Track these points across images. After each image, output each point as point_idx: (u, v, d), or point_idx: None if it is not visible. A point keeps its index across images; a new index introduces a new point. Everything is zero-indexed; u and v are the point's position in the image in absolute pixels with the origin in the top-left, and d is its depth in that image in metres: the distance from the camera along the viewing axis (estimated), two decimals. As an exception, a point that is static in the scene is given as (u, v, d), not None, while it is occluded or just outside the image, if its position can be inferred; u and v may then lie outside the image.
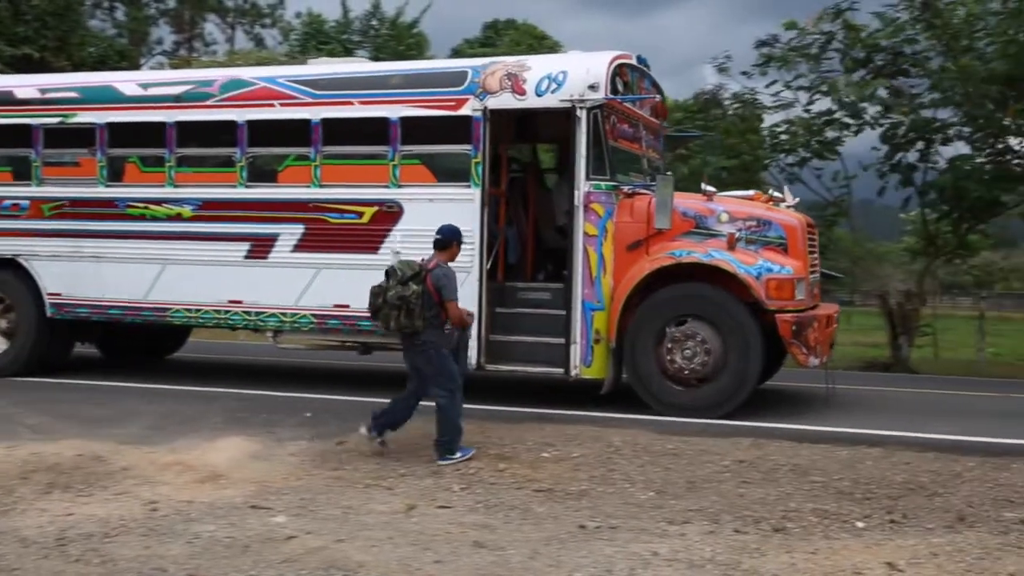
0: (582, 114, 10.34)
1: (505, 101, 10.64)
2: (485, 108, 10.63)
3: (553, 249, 11.43)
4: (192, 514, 6.68)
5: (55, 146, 12.43)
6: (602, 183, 10.41)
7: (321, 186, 11.24)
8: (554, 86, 10.50)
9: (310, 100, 11.31)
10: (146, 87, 12.08)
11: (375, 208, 11.03)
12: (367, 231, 11.06)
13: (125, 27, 37.96)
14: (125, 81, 12.43)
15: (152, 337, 14.16)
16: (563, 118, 10.66)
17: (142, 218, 11.91)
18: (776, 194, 10.96)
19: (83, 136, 12.19)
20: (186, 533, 6.26)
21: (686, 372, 10.09)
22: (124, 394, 11.22)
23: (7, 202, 12.43)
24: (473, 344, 10.49)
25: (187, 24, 41.54)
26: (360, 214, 11.09)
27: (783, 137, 18.66)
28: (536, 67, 10.74)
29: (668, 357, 10.14)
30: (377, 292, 8.41)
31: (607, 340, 10.33)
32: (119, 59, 29.32)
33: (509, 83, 10.63)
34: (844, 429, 9.20)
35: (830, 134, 17.54)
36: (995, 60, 15.92)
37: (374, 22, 35.11)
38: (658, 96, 11.96)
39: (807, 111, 18.02)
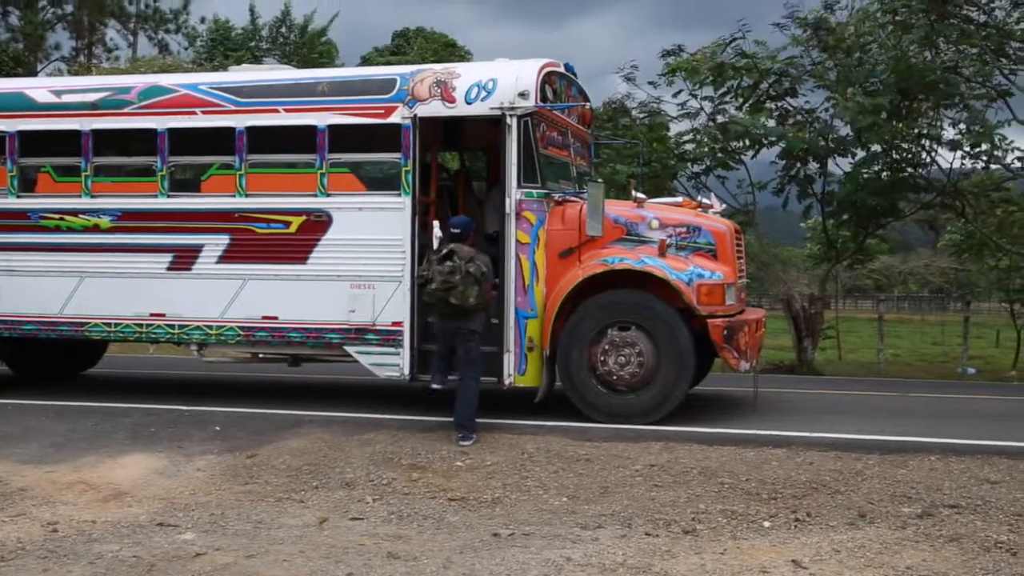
0: (512, 122, 10.12)
1: (435, 109, 10.38)
2: (414, 116, 10.36)
3: None
4: (94, 534, 6.49)
5: None
6: (533, 191, 10.21)
7: (247, 195, 10.84)
8: (484, 94, 10.26)
9: (234, 108, 10.91)
10: (59, 94, 11.55)
11: (303, 217, 10.68)
12: (295, 241, 10.71)
13: (20, 31, 36.78)
14: (37, 88, 11.86)
15: (67, 353, 13.51)
16: (492, 125, 10.46)
17: (57, 230, 11.38)
18: (704, 200, 10.85)
19: None
20: (88, 554, 6.07)
21: (619, 378, 9.94)
22: (26, 411, 10.67)
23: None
24: (405, 355, 10.24)
25: (87, 30, 40.43)
26: (287, 223, 10.73)
27: (688, 147, 18.72)
28: (465, 74, 10.49)
29: (601, 364, 9.98)
30: (453, 269, 9.06)
31: (540, 348, 10.12)
32: (14, 65, 28.36)
33: (439, 90, 10.37)
34: (751, 431, 9.22)
35: (733, 143, 17.62)
36: (886, 73, 16.14)
37: (283, 29, 34.54)
38: (586, 104, 11.80)
39: (712, 121, 18.11)
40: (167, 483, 7.80)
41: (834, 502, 6.58)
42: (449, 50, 38.48)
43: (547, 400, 10.27)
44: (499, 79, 10.28)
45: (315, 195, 10.64)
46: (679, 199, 11.35)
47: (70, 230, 11.33)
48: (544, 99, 10.35)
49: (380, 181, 10.69)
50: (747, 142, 17.15)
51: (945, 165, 17.06)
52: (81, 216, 11.30)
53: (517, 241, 10.14)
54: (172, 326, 11.06)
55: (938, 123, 16.68)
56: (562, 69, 11.04)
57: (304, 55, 33.25)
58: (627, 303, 10.04)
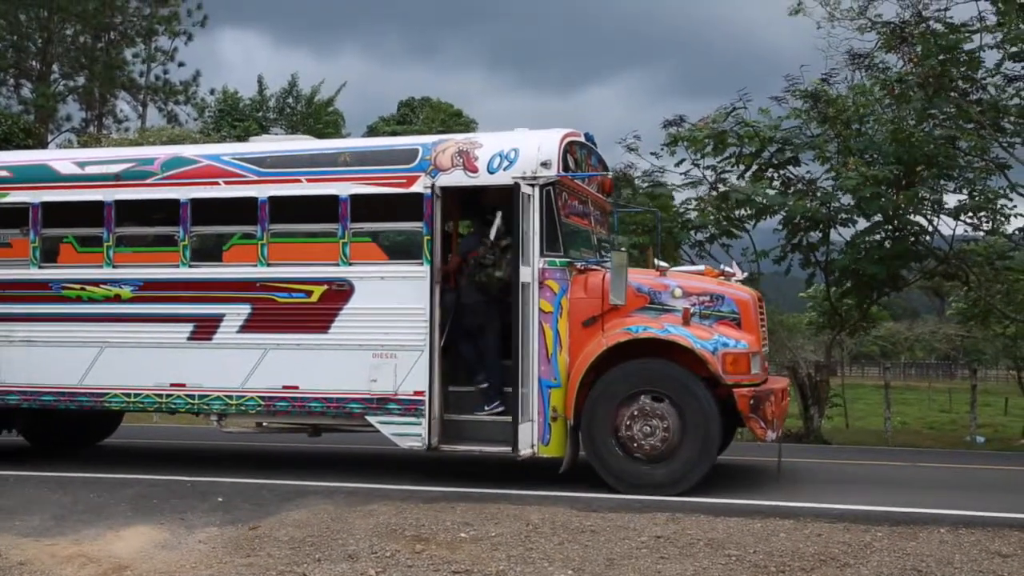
0: (535, 191, 9.85)
1: (457, 178, 10.14)
2: (436, 185, 10.09)
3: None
4: (93, 609, 6.03)
5: None
6: (556, 259, 9.92)
7: (268, 265, 10.58)
8: (506, 163, 10.02)
9: (256, 178, 10.67)
10: (83, 165, 11.31)
11: (324, 287, 10.39)
12: (316, 310, 10.42)
13: (32, 104, 36.66)
14: (61, 159, 11.65)
15: (82, 423, 13.13)
16: (512, 195, 10.18)
17: (78, 300, 11.10)
18: (727, 268, 10.55)
19: (14, 216, 11.35)
20: (89, 627, 5.64)
21: (644, 448, 9.59)
22: (28, 483, 10.25)
23: (-72, 287, 11.49)
24: (427, 425, 9.90)
25: (97, 101, 40.38)
26: (309, 293, 10.43)
27: (692, 215, 18.49)
28: (487, 144, 10.27)
29: (627, 434, 9.64)
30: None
31: (565, 417, 9.76)
32: (24, 136, 28.20)
33: (461, 160, 10.13)
34: (758, 501, 8.95)
35: (737, 212, 17.40)
36: (885, 145, 16.03)
37: (290, 100, 34.48)
38: (608, 173, 11.54)
39: (715, 190, 17.91)
40: (168, 556, 7.46)
41: (843, 575, 6.34)
42: (455, 119, 38.47)
43: (571, 470, 9.93)
44: (521, 149, 10.06)
45: (337, 264, 10.38)
46: (700, 267, 11.05)
47: (91, 300, 11.03)
48: (566, 168, 10.13)
49: (402, 250, 10.45)
50: (749, 210, 16.89)
51: (947, 233, 16.93)
52: (102, 286, 11.01)
53: (540, 310, 9.84)
54: (192, 396, 10.72)
55: (939, 192, 16.48)
56: (582, 139, 10.82)
57: (310, 125, 33.17)
58: (652, 372, 9.74)
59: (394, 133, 31.78)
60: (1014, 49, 15.77)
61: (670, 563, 6.75)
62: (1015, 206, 16.04)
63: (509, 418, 9.86)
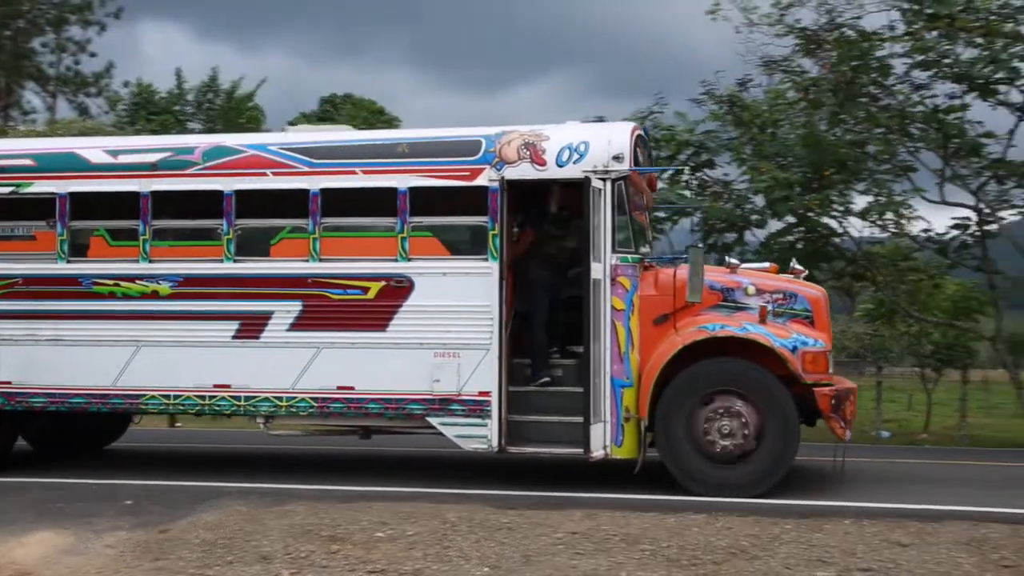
0: (606, 185, 9.27)
1: (524, 171, 9.42)
2: (503, 178, 9.40)
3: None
4: (-6, 617, 5.42)
5: (2, 218, 10.39)
6: (628, 256, 9.34)
7: (321, 260, 9.68)
8: (576, 156, 9.36)
9: (307, 169, 9.76)
10: (115, 154, 10.20)
11: (382, 283, 9.56)
12: (374, 307, 9.56)
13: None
14: (90, 148, 10.44)
15: (90, 428, 11.97)
16: (574, 189, 9.58)
17: (111, 296, 10.00)
18: (796, 266, 10.12)
19: (38, 207, 10.21)
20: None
21: (726, 449, 9.03)
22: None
23: (-57, 280, 10.28)
24: (493, 426, 9.24)
25: (3, 92, 38.14)
26: (365, 289, 9.60)
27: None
28: (553, 137, 9.54)
29: (704, 434, 9.07)
30: None
31: (638, 418, 9.21)
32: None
33: (527, 152, 9.44)
34: (673, 497, 8.66)
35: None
36: (796, 148, 15.94)
37: (209, 95, 33.03)
38: (682, 167, 11.01)
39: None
40: (73, 561, 6.95)
41: (752, 567, 6.25)
42: (377, 117, 37.30)
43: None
44: (591, 142, 9.40)
45: (395, 260, 9.54)
46: (766, 264, 10.57)
47: (126, 297, 9.99)
48: (636, 162, 9.53)
49: (465, 245, 9.66)
50: (666, 212, 16.57)
51: (856, 235, 16.85)
52: (138, 282, 9.97)
53: (612, 307, 9.23)
54: (238, 398, 9.79)
55: (848, 195, 16.45)
56: (641, 132, 10.23)
57: (231, 119, 31.83)
58: (732, 371, 9.17)
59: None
60: (921, 57, 15.89)
61: (585, 558, 6.60)
62: (916, 210, 16.24)
63: (577, 419, 9.20)
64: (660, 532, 7.25)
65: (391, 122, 36.03)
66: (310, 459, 11.26)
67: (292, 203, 9.71)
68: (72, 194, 10.05)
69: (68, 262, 10.08)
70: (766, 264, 10.26)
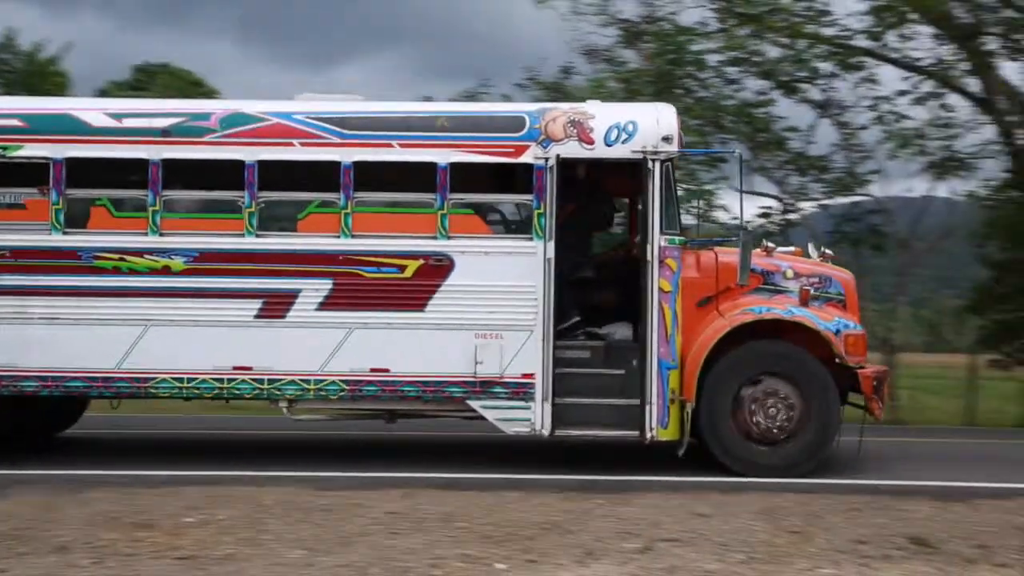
0: (655, 166, 8.95)
1: (572, 150, 8.99)
2: (557, 156, 8.95)
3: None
4: None
5: None
6: (675, 238, 9.06)
7: (353, 236, 9.00)
8: (624, 136, 9.00)
9: (339, 140, 9.04)
10: (119, 118, 9.16)
11: (420, 261, 8.95)
12: (411, 286, 8.95)
13: None
14: (89, 110, 9.32)
15: (42, 413, 10.70)
16: (615, 168, 9.24)
17: (115, 271, 9.00)
18: (827, 251, 10.02)
19: (29, 172, 9.09)
20: None
21: (771, 430, 8.88)
22: None
23: (-83, 252, 9.06)
24: (537, 409, 8.83)
25: None
26: (402, 267, 8.97)
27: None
28: (599, 115, 9.15)
29: (750, 416, 8.89)
30: None
31: (682, 400, 8.94)
32: None
33: (575, 131, 9.01)
34: (490, 475, 8.65)
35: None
36: None
37: (7, 56, 30.47)
38: (733, 151, 10.72)
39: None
40: None
41: (565, 541, 6.28)
42: (194, 88, 35.31)
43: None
44: (639, 121, 9.05)
45: (435, 237, 8.95)
46: (791, 248, 10.45)
47: (132, 272, 9.01)
48: (680, 143, 9.26)
49: (508, 224, 9.19)
50: None
51: None
52: (147, 256, 9.01)
53: (660, 289, 8.93)
54: (260, 380, 8.99)
55: None
56: None
57: (34, 85, 29.58)
58: (778, 354, 9.01)
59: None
60: (732, 54, 16.51)
61: (402, 538, 6.47)
62: (720, 199, 16.79)
63: (624, 401, 8.94)
64: (477, 510, 7.20)
65: (211, 94, 34.00)
66: (113, 444, 10.82)
67: (321, 176, 8.98)
68: (69, 159, 8.99)
69: (64, 234, 9.02)
70: (791, 248, 10.12)
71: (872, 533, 6.36)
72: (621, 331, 9.53)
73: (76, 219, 9.11)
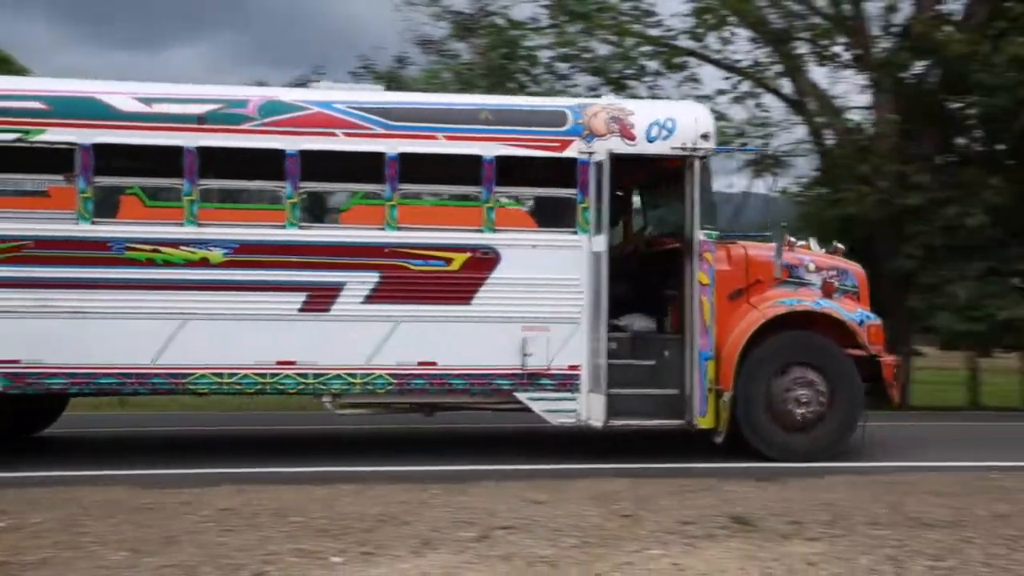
0: (695, 163, 9.06)
1: (614, 145, 8.97)
2: (595, 151, 8.93)
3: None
4: None
5: (5, 170, 8.45)
6: (712, 232, 9.18)
7: (398, 228, 8.75)
8: (664, 132, 9.06)
9: (383, 131, 8.75)
10: (149, 103, 8.59)
11: (467, 254, 8.79)
12: (458, 279, 8.77)
13: None
14: (116, 93, 8.67)
15: (24, 411, 10.00)
16: (648, 164, 9.31)
17: (149, 263, 8.47)
18: (839, 245, 10.30)
19: (52, 158, 8.46)
20: None
21: (803, 417, 9.13)
22: None
23: (-75, 241, 8.30)
24: (583, 400, 8.84)
25: None
26: (448, 260, 8.78)
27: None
28: (638, 111, 9.18)
29: (783, 403, 9.12)
30: None
31: (719, 389, 9.09)
32: None
33: (616, 127, 9.01)
34: (325, 468, 8.52)
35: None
36: None
37: None
38: (759, 149, 10.81)
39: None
40: None
41: (401, 532, 6.25)
42: (4, 65, 33.31)
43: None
44: (678, 119, 9.13)
45: (481, 230, 8.81)
46: (802, 242, 10.67)
47: (168, 264, 8.51)
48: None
49: (552, 217, 9.07)
50: None
51: None
52: (183, 248, 8.53)
53: (699, 283, 9.05)
54: (304, 375, 8.65)
55: None
56: None
57: None
58: (808, 344, 9.25)
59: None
60: (563, 50, 17.00)
61: (234, 535, 6.28)
62: None
63: (662, 391, 9.05)
64: (311, 504, 7.03)
65: (22, 72, 32.22)
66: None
67: (366, 167, 8.69)
68: (97, 145, 8.40)
69: (93, 223, 8.42)
70: (802, 241, 10.37)
71: (697, 514, 6.49)
72: (639, 323, 9.58)
73: (105, 208, 8.52)
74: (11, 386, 8.31)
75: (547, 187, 9.07)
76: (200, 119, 8.52)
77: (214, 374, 8.49)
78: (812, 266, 9.52)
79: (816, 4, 17.90)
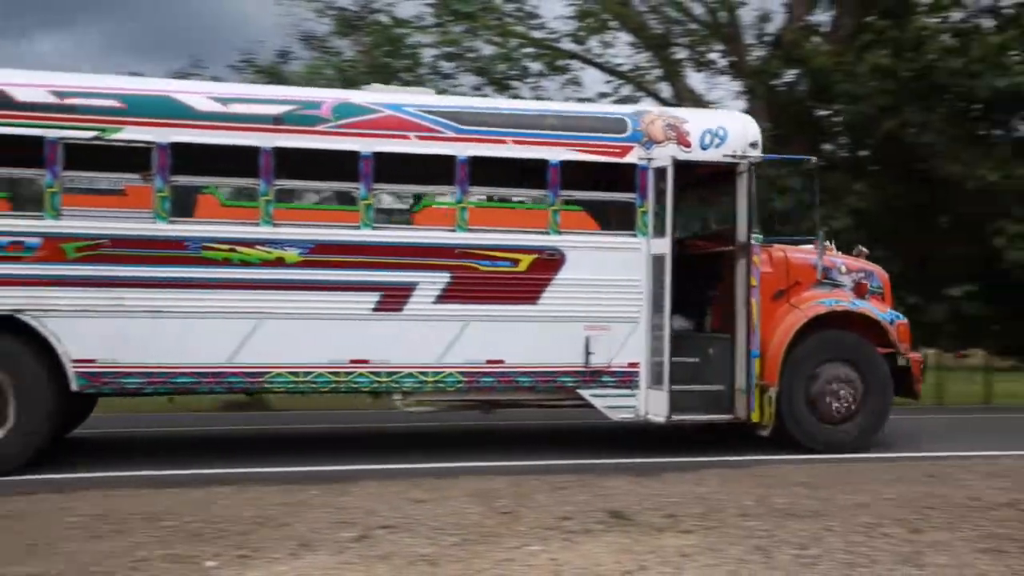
0: (745, 170, 9.39)
1: (672, 152, 9.25)
2: (653, 157, 9.18)
3: None
4: None
5: (81, 168, 8.30)
6: (760, 235, 9.53)
7: (468, 230, 8.87)
8: (717, 141, 9.37)
9: (454, 135, 8.83)
10: (225, 103, 8.52)
11: (534, 256, 8.94)
12: (525, 280, 8.91)
13: None
14: (192, 93, 8.55)
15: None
16: (688, 170, 9.61)
17: (226, 263, 8.39)
18: (862, 249, 10.72)
19: (128, 157, 8.33)
20: None
21: (840, 411, 9.55)
22: None
23: (2, 239, 7.99)
24: (641, 397, 9.12)
25: None
26: (516, 261, 8.92)
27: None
28: (691, 120, 9.48)
29: (822, 397, 9.53)
30: None
31: (765, 385, 9.44)
32: None
33: (673, 134, 9.28)
34: (200, 471, 8.26)
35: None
36: None
37: None
38: (811, 158, 11.03)
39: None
40: None
41: (279, 534, 6.01)
42: None
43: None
44: (728, 128, 9.46)
45: (547, 232, 8.97)
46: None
47: (244, 264, 8.44)
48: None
49: (613, 220, 9.30)
50: None
51: None
52: (259, 248, 8.47)
53: (749, 284, 9.40)
54: (378, 373, 8.68)
55: None
56: None
57: None
58: (845, 342, 9.67)
59: None
60: (448, 50, 17.29)
61: (102, 541, 5.93)
62: None
63: (708, 387, 9.39)
64: (184, 507, 6.75)
65: None
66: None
67: (437, 169, 8.77)
68: (174, 144, 8.30)
69: (170, 222, 8.32)
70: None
71: (576, 510, 6.47)
72: (677, 322, 9.86)
73: (180, 207, 8.42)
74: (87, 385, 8.16)
75: (607, 191, 9.25)
76: (276, 119, 8.49)
77: (290, 373, 8.48)
78: (843, 268, 9.94)
79: (693, 12, 18.37)
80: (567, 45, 18.08)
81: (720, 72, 18.81)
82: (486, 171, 8.86)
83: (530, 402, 9.35)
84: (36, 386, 8.08)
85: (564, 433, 9.78)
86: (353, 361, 8.57)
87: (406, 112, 8.77)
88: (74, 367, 8.10)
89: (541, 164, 8.90)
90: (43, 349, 8.10)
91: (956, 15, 17.95)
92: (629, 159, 9.07)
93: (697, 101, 18.08)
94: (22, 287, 8.00)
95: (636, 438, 10.46)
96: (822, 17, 18.70)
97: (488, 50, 17.10)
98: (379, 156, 8.60)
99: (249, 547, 5.66)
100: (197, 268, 8.30)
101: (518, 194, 9.21)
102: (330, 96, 8.97)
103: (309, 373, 8.51)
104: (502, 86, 16.87)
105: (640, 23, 17.90)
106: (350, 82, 15.13)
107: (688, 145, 9.21)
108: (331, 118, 8.57)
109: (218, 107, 8.44)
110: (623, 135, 9.11)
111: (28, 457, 8.08)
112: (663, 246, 9.03)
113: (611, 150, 9.07)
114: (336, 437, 10.72)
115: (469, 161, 8.76)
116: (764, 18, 18.43)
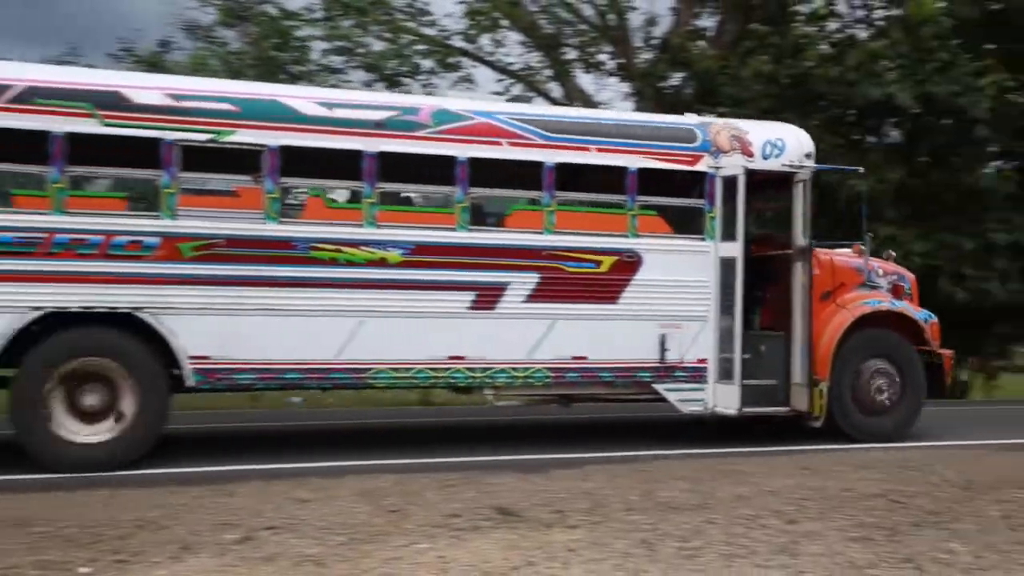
0: (803, 179, 9.96)
1: (737, 161, 9.77)
2: (721, 165, 9.68)
3: None
4: None
5: (196, 169, 8.41)
6: (812, 240, 10.10)
7: (555, 233, 9.23)
8: (776, 151, 9.90)
9: (542, 142, 9.18)
10: (331, 107, 8.70)
11: (615, 257, 9.35)
12: (606, 280, 9.32)
13: None
14: (297, 97, 8.71)
15: None
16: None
17: (332, 263, 8.59)
18: (892, 252, 11.34)
19: (240, 159, 8.48)
20: None
21: (879, 403, 10.17)
22: None
23: (121, 239, 8.08)
24: (710, 391, 9.62)
25: None
26: (598, 263, 9.32)
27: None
28: (752, 131, 10.00)
29: (866, 391, 10.14)
30: None
31: (815, 380, 10.00)
32: None
33: (737, 144, 9.79)
34: (73, 474, 7.84)
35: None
36: None
37: None
38: (858, 169, 11.50)
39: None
40: None
41: (159, 538, 5.72)
42: None
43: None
44: (785, 139, 9.99)
45: (626, 236, 9.39)
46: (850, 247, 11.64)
47: (349, 264, 8.65)
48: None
49: (685, 224, 9.74)
50: None
51: None
52: (363, 248, 8.69)
53: (803, 286, 9.96)
54: (473, 369, 8.98)
55: None
56: None
57: None
58: (887, 340, 10.29)
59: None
60: (337, 44, 17.37)
61: None
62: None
63: (763, 382, 9.88)
64: (58, 511, 6.38)
65: None
66: None
67: (526, 174, 9.12)
68: (284, 147, 8.47)
69: (280, 223, 8.49)
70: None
71: (463, 507, 6.39)
72: (728, 321, 10.35)
73: (288, 208, 8.61)
74: (203, 381, 8.28)
75: (681, 197, 9.69)
76: (379, 124, 8.71)
77: (392, 369, 8.71)
78: (880, 271, 10.56)
79: (583, 13, 18.65)
80: (458, 43, 18.04)
81: (609, 73, 19.10)
82: (571, 176, 9.22)
83: (606, 396, 9.70)
84: (154, 384, 8.14)
85: (451, 431, 9.88)
86: (451, 357, 8.84)
87: (497, 119, 9.08)
88: (191, 363, 8.21)
89: (621, 171, 9.27)
90: (159, 347, 8.16)
91: (832, 25, 18.65)
92: (699, 167, 9.54)
93: (587, 101, 18.27)
94: (140, 285, 8.08)
95: (521, 435, 10.71)
96: (707, 22, 19.24)
97: (379, 46, 16.96)
98: (474, 161, 8.88)
99: (127, 552, 5.42)
100: (306, 268, 8.48)
101: (600, 199, 9.52)
102: (426, 103, 9.23)
103: (410, 369, 8.75)
104: (393, 83, 16.81)
105: (531, 23, 18.03)
106: (236, 73, 14.88)
107: (751, 155, 9.71)
108: (431, 124, 8.83)
109: (324, 111, 8.63)
110: (694, 144, 9.56)
111: (141, 453, 8.12)
112: (734, 250, 9.50)
113: (683, 158, 9.51)
114: (219, 437, 10.52)
115: (556, 167, 9.09)
116: (651, 22, 18.85)
